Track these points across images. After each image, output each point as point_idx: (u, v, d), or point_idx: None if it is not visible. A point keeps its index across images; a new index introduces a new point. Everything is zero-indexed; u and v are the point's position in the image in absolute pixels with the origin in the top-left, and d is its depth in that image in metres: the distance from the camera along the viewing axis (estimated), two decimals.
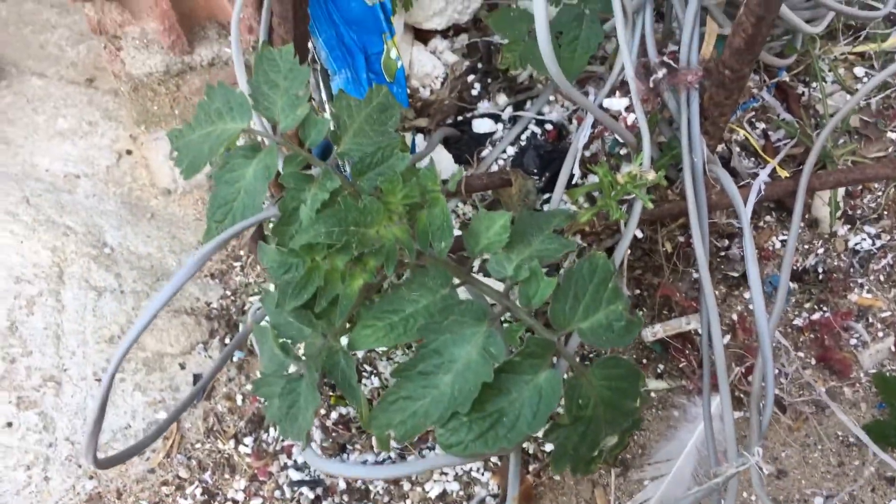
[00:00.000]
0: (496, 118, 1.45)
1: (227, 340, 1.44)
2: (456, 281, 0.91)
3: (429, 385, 0.86)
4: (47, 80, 1.82)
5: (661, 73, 1.09)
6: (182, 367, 1.40)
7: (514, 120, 1.44)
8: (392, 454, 1.33)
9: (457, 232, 1.38)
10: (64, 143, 1.70)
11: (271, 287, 1.24)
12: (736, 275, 1.42)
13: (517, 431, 0.84)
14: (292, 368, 0.94)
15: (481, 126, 1.43)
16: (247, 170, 0.96)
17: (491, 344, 0.87)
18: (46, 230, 1.52)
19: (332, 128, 0.97)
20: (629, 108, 1.20)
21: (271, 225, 0.95)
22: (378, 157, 0.95)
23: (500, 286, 0.92)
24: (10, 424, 1.29)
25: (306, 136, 0.95)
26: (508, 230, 0.92)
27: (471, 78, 1.47)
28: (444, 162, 1.38)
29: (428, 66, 1.45)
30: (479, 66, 1.48)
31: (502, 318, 0.90)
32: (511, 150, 1.42)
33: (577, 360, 0.93)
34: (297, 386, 0.94)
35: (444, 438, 0.85)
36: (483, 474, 1.31)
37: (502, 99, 1.46)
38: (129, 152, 1.69)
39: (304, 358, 0.94)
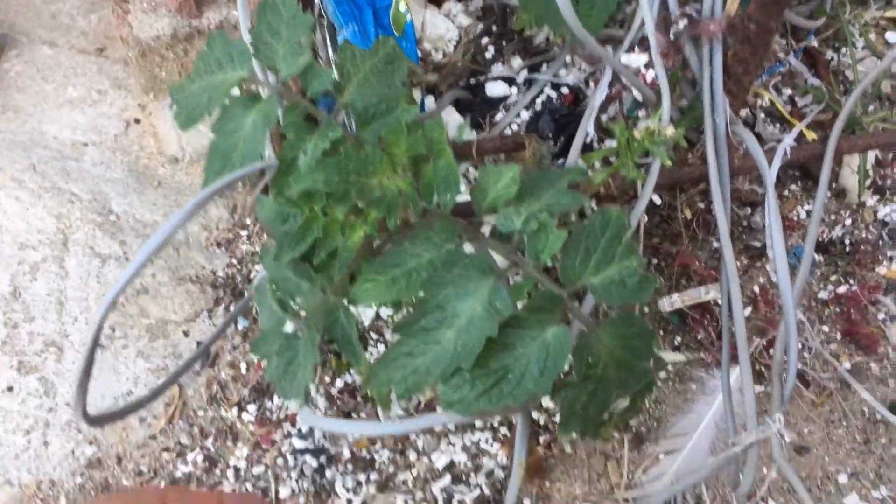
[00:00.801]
0: (510, 82, 1.40)
1: (232, 309, 1.41)
2: (462, 238, 0.87)
3: (431, 341, 0.82)
4: (58, 49, 1.80)
5: (681, 23, 1.04)
6: (186, 334, 1.37)
7: (528, 83, 1.40)
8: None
9: (466, 198, 1.34)
10: (73, 112, 1.68)
11: None
12: (758, 245, 1.37)
13: (523, 389, 0.80)
14: (291, 328, 0.91)
15: (495, 89, 1.38)
16: (246, 119, 0.92)
17: (496, 298, 0.83)
18: (52, 197, 1.49)
19: (336, 78, 0.93)
20: (648, 65, 1.15)
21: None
22: (382, 108, 0.91)
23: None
24: (10, 389, 1.27)
25: (308, 85, 0.91)
26: (518, 183, 0.88)
27: (485, 41, 1.42)
28: (455, 125, 1.33)
29: (441, 29, 1.41)
30: (494, 28, 1.44)
31: (511, 277, 0.86)
32: (525, 115, 1.38)
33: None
34: (296, 343, 0.90)
35: (447, 395, 0.82)
36: (492, 445, 1.27)
37: (517, 62, 1.41)
38: (137, 121, 1.66)
39: (303, 315, 0.90)
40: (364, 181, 0.84)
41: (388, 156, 0.87)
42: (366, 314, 1.34)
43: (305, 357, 0.89)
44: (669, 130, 1.01)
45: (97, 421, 0.87)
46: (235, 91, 0.96)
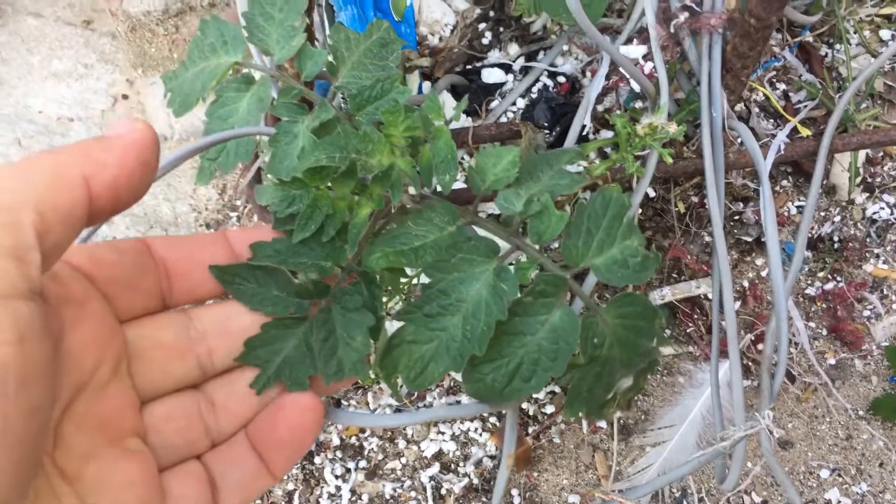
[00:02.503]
0: (507, 69, 1.39)
1: None
2: (463, 221, 0.87)
3: (436, 327, 0.81)
4: (43, 20, 1.76)
5: (682, 16, 1.03)
6: None
7: (525, 71, 1.38)
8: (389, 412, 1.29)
9: (462, 185, 1.33)
10: (59, 86, 1.65)
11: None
12: (749, 240, 1.37)
13: (541, 376, 0.80)
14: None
15: (491, 76, 1.37)
16: (240, 104, 0.91)
17: (503, 280, 0.81)
18: None
19: (330, 60, 0.92)
20: (646, 57, 1.14)
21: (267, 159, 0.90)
22: (377, 91, 0.89)
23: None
24: None
25: (302, 67, 0.90)
26: (517, 165, 0.87)
27: (482, 26, 1.41)
28: (450, 111, 1.32)
29: (437, 13, 1.39)
30: (491, 14, 1.42)
31: (513, 263, 0.86)
32: (521, 103, 1.37)
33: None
34: (328, 316, 0.83)
35: (476, 390, 0.80)
36: (481, 434, 1.27)
37: (514, 49, 1.40)
38: (125, 97, 1.63)
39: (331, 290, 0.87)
40: (366, 159, 0.83)
41: (385, 136, 0.86)
42: None
43: (348, 327, 0.82)
44: (672, 127, 1.00)
45: None
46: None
